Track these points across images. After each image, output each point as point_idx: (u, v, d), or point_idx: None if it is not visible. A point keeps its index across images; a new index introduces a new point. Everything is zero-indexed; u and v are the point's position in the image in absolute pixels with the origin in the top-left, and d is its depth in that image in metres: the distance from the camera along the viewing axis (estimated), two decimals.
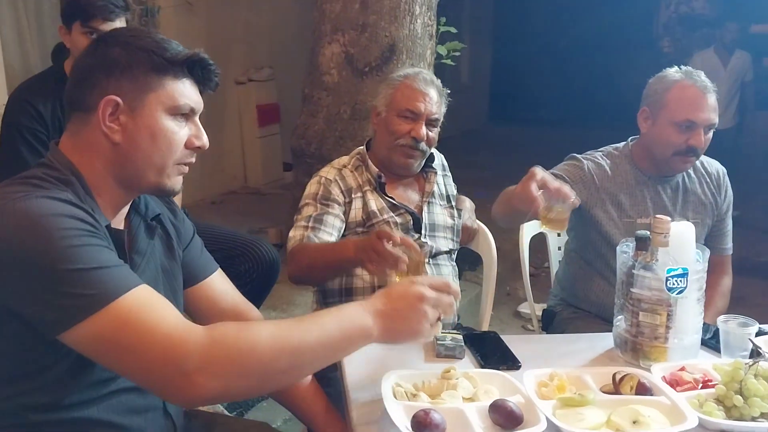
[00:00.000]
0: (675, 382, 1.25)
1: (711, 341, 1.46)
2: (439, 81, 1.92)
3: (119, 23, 2.02)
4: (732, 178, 2.04)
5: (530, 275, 2.24)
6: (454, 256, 1.96)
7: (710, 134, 1.83)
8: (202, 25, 4.99)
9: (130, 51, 1.09)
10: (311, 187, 1.88)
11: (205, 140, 1.15)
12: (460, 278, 2.00)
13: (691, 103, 1.79)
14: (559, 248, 2.25)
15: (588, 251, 1.94)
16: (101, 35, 1.20)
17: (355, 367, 1.34)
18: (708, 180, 1.97)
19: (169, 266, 1.24)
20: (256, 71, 5.53)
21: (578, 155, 1.94)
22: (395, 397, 1.19)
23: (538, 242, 2.23)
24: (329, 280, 1.81)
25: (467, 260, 1.96)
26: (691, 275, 1.33)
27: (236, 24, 5.34)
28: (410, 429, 1.09)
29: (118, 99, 1.07)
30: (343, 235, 1.82)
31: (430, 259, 1.85)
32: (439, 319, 1.13)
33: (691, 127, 1.78)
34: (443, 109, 1.89)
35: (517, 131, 8.66)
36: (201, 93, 1.15)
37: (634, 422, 1.12)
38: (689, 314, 1.36)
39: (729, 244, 2.03)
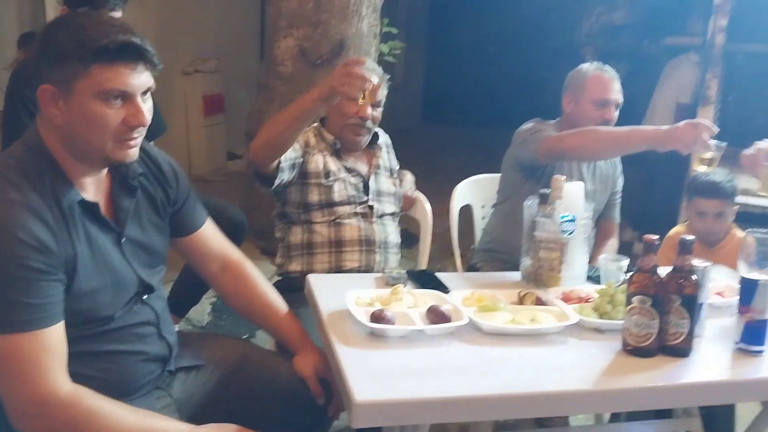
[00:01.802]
0: (565, 299, 1.67)
1: (595, 277, 1.88)
2: (380, 68, 2.30)
3: (119, 13, 2.30)
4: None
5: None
6: (397, 219, 2.34)
7: (617, 112, 2.30)
8: (152, 16, 5.20)
9: (61, 42, 1.22)
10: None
11: (141, 118, 1.26)
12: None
13: (605, 86, 2.28)
14: (483, 218, 2.67)
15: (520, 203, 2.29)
16: (48, 23, 1.36)
17: (325, 300, 1.69)
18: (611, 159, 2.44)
19: (155, 220, 1.47)
20: (203, 62, 5.78)
21: (542, 120, 2.36)
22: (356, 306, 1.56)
23: (463, 226, 2.63)
24: (292, 139, 2.00)
25: (402, 240, 2.35)
26: (578, 221, 1.76)
27: (184, 17, 5.57)
28: (369, 321, 1.46)
29: (52, 87, 1.22)
30: (305, 184, 2.15)
31: (378, 218, 2.24)
32: None
33: (605, 104, 2.26)
34: (385, 92, 2.25)
35: (449, 131, 9.15)
36: (146, 70, 1.26)
37: (531, 320, 1.53)
38: (577, 251, 1.79)
39: (617, 214, 2.50)
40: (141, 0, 5.32)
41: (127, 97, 1.25)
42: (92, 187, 1.34)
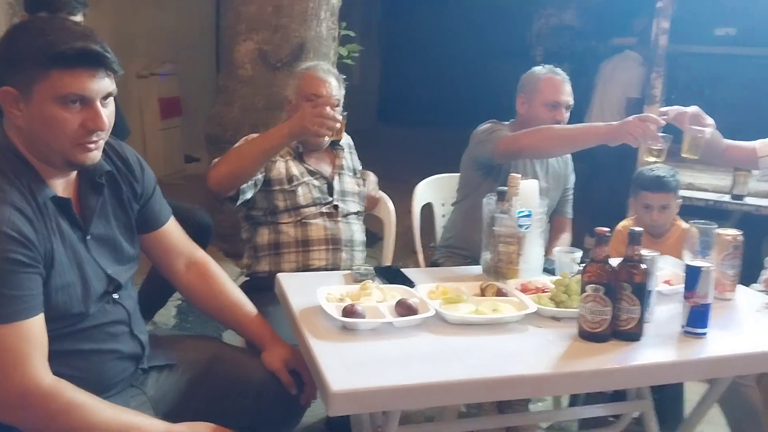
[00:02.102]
0: (523, 290, 1.77)
1: (551, 269, 1.99)
2: (336, 70, 2.38)
3: (79, 17, 2.32)
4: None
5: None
6: (361, 217, 2.41)
7: (568, 113, 2.41)
8: (108, 20, 5.16)
9: (21, 46, 1.25)
10: (239, 143, 2.24)
11: (100, 122, 1.29)
12: None
13: (557, 89, 2.39)
14: (443, 215, 2.76)
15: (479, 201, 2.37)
16: (10, 27, 1.39)
17: (296, 297, 1.75)
18: (562, 159, 2.55)
19: (121, 216, 1.50)
20: (159, 66, 5.75)
21: (497, 121, 2.46)
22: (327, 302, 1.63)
23: (424, 224, 2.72)
24: (257, 170, 2.12)
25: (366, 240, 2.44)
26: (534, 216, 1.86)
27: (140, 20, 5.54)
28: (341, 316, 1.53)
29: (13, 89, 1.25)
30: (270, 191, 2.21)
31: (343, 218, 2.30)
32: None
33: (557, 106, 2.37)
34: (342, 92, 2.33)
35: (404, 131, 9.26)
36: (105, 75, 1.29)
37: (493, 310, 1.62)
38: (533, 245, 1.89)
39: (570, 209, 2.62)
40: (96, 4, 5.30)
41: (86, 102, 1.28)
42: (63, 185, 1.38)
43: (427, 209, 2.75)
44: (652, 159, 2.06)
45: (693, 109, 2.02)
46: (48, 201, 1.32)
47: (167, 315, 3.06)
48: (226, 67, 3.52)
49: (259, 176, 2.19)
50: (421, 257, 2.64)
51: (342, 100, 2.32)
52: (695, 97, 4.11)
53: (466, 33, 9.75)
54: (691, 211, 2.11)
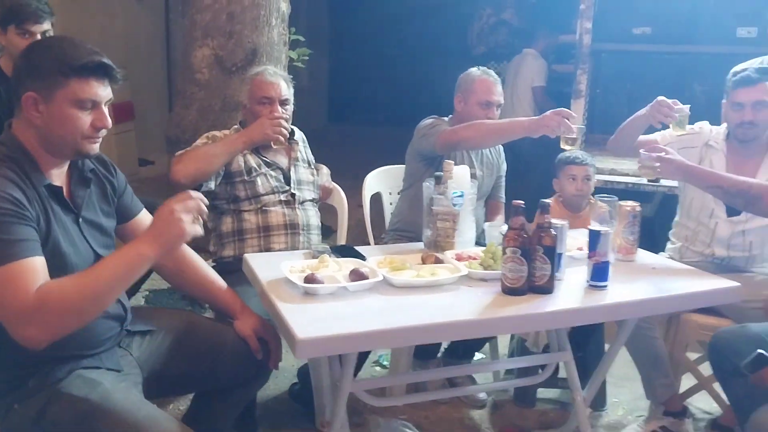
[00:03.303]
0: (458, 258, 2.06)
1: (482, 242, 2.29)
2: (285, 72, 2.65)
3: (47, 25, 2.53)
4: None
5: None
6: (316, 205, 2.68)
7: (499, 110, 2.71)
8: (59, 29, 5.28)
9: (44, 59, 1.52)
10: (199, 140, 2.53)
11: (106, 122, 1.57)
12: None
13: (489, 90, 2.69)
14: (391, 203, 3.04)
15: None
16: (30, 44, 1.67)
17: (263, 272, 2.01)
18: (494, 148, 2.86)
19: (105, 207, 1.75)
20: None
21: (438, 117, 2.74)
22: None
23: (374, 215, 2.99)
24: (219, 169, 2.42)
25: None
26: (466, 197, 2.16)
27: (92, 29, 5.66)
28: (303, 283, 1.80)
29: (36, 95, 1.51)
30: (231, 183, 2.47)
31: (300, 205, 2.57)
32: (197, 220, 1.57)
33: (489, 106, 2.67)
34: (291, 91, 2.60)
35: (354, 130, 9.55)
36: (110, 85, 1.57)
37: (432, 274, 1.91)
38: (466, 221, 2.19)
39: (502, 194, 2.93)
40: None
41: (96, 105, 1.56)
42: (57, 177, 1.63)
43: (377, 199, 3.03)
44: (567, 147, 2.39)
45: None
46: (42, 188, 1.57)
47: (136, 304, 3.27)
48: (183, 73, 3.73)
49: (220, 172, 2.46)
50: (371, 241, 2.92)
51: (291, 100, 2.59)
52: (618, 90, 4.52)
53: (410, 34, 10.09)
54: (615, 193, 2.41)
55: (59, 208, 1.61)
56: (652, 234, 2.75)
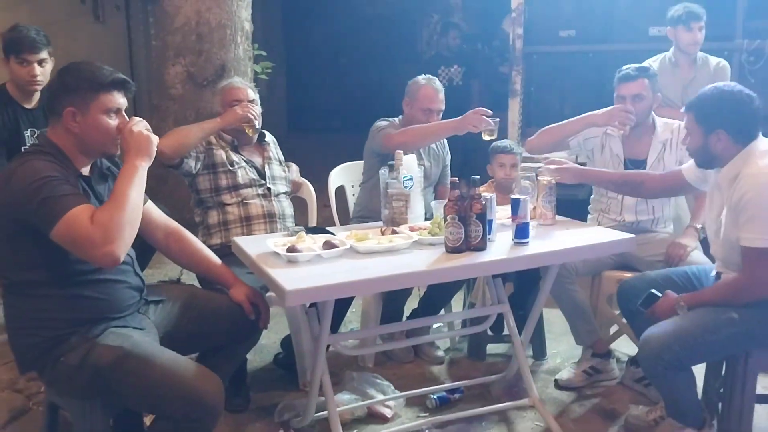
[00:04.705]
0: (411, 230, 2.51)
1: (431, 218, 2.74)
2: (249, 82, 3.08)
3: (44, 54, 2.91)
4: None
5: None
6: (289, 197, 3.10)
7: (440, 116, 3.16)
8: None
9: (78, 79, 1.92)
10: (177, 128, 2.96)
11: (134, 127, 1.96)
12: None
13: (431, 98, 3.13)
14: (354, 195, 3.48)
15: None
16: (63, 68, 2.03)
17: (251, 249, 2.42)
18: (439, 142, 3.31)
19: None
20: None
21: (388, 118, 3.18)
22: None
23: (339, 208, 3.42)
24: (193, 147, 2.81)
25: None
26: (415, 180, 2.61)
27: (58, 54, 5.98)
28: (286, 252, 2.22)
29: (74, 109, 1.91)
30: (215, 173, 2.89)
31: (275, 197, 2.99)
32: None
33: (430, 112, 3.11)
34: (257, 96, 3.04)
35: (312, 138, 9.96)
36: (126, 95, 2.00)
37: (389, 241, 2.35)
38: (416, 200, 2.64)
39: (449, 180, 3.39)
40: None
41: (118, 112, 1.98)
42: (84, 172, 2.04)
43: (342, 195, 3.47)
44: (488, 138, 2.88)
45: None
46: (75, 177, 1.97)
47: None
48: (158, 88, 4.13)
49: (200, 150, 2.86)
50: (338, 225, 3.36)
51: (258, 102, 3.02)
52: (549, 88, 5.05)
53: (362, 43, 10.58)
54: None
55: (90, 192, 2.01)
56: (586, 211, 3.23)
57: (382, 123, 3.19)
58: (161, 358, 1.93)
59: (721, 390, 2.45)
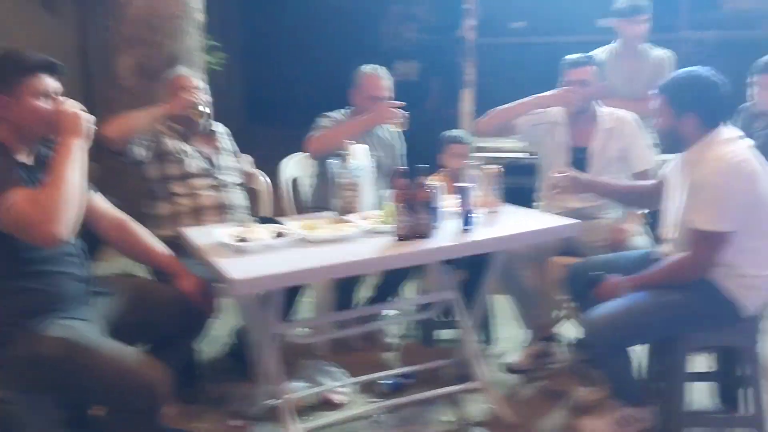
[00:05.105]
0: (362, 219, 2.55)
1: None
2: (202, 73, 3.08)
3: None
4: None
5: None
6: (242, 188, 3.10)
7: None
8: None
9: (3, 66, 1.92)
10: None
11: (64, 106, 1.95)
12: None
13: (376, 85, 3.15)
14: (310, 186, 3.49)
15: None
16: None
17: (199, 239, 2.43)
18: (390, 133, 3.35)
19: None
20: None
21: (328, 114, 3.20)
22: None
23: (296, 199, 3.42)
24: (139, 132, 2.80)
25: None
26: (365, 169, 2.65)
27: (7, 46, 5.84)
28: (234, 241, 2.23)
29: (5, 97, 1.91)
30: (164, 162, 2.87)
31: (226, 188, 2.98)
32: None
33: (377, 99, 3.11)
34: (202, 83, 3.04)
35: (272, 130, 9.91)
36: (57, 78, 1.99)
37: (340, 230, 2.38)
38: (367, 189, 2.68)
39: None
40: None
41: (51, 96, 1.97)
42: (24, 157, 2.02)
43: (297, 186, 3.47)
44: (397, 129, 3.00)
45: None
46: (15, 165, 1.95)
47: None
48: (108, 79, 4.07)
49: (150, 144, 2.85)
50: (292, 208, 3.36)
51: (206, 89, 3.02)
52: (502, 79, 5.12)
53: (322, 35, 10.52)
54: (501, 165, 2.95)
55: (31, 181, 1.98)
56: (533, 198, 3.31)
57: (319, 121, 3.18)
58: (107, 349, 1.93)
59: (659, 369, 2.55)
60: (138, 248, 2.35)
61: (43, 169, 2.05)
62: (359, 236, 2.37)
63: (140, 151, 2.82)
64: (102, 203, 2.32)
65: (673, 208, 2.45)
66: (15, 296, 1.95)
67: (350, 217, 2.57)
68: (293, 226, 2.44)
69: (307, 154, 3.10)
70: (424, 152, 5.03)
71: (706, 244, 2.26)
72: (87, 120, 2.00)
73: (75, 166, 1.93)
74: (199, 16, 4.10)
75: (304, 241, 2.32)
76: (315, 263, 2.12)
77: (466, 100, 4.70)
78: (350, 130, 3.02)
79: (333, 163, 2.70)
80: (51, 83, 1.98)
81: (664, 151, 2.87)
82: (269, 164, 3.35)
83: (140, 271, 3.35)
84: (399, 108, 2.93)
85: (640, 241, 2.94)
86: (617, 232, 2.92)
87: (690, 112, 2.33)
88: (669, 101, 2.38)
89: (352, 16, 9.92)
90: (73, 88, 6.16)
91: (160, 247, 2.38)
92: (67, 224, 1.87)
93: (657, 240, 2.62)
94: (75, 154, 1.94)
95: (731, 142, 2.31)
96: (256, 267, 2.08)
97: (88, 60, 6.67)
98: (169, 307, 2.27)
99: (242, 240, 2.25)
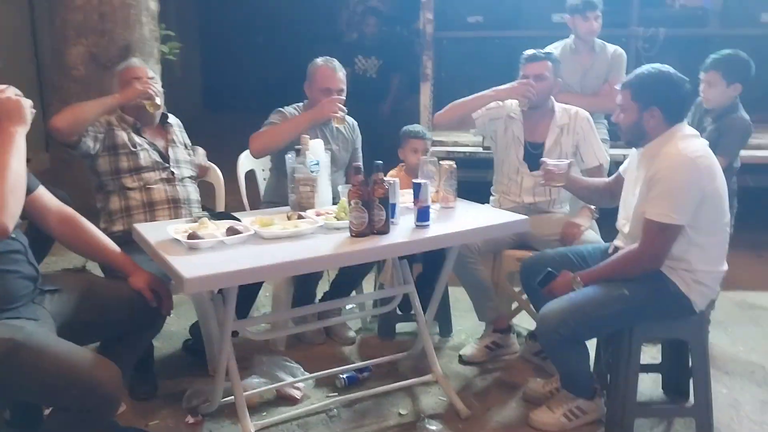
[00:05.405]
0: (317, 215, 2.53)
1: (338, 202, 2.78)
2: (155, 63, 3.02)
3: None
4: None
5: None
6: (195, 182, 3.06)
7: (343, 95, 3.16)
8: None
9: None
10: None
11: (4, 94, 1.93)
12: None
13: (329, 78, 3.11)
14: (264, 179, 3.47)
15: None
16: None
17: (151, 236, 2.40)
18: (348, 126, 3.33)
19: None
20: None
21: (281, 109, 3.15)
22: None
23: (250, 193, 3.40)
24: (90, 123, 2.74)
25: None
26: (322, 164, 2.64)
27: None
28: (186, 239, 2.21)
29: None
30: (115, 155, 2.82)
31: (179, 181, 2.94)
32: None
33: (329, 92, 3.08)
34: (155, 75, 2.98)
35: (228, 117, 9.80)
36: None
37: (295, 226, 2.37)
38: (323, 184, 2.67)
39: (360, 163, 3.43)
40: None
41: None
42: None
43: (253, 179, 3.45)
44: (337, 125, 3.05)
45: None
46: None
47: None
48: (58, 68, 3.97)
49: (99, 130, 2.79)
50: (248, 209, 3.34)
51: (157, 79, 2.96)
52: (459, 72, 5.15)
53: (281, 22, 10.44)
54: (457, 162, 2.91)
55: None
56: (489, 193, 3.34)
57: (271, 116, 3.13)
58: (55, 348, 1.89)
59: (610, 361, 2.61)
60: (90, 244, 2.30)
61: None
62: (314, 232, 2.36)
63: (89, 144, 2.76)
64: (48, 198, 2.24)
65: (629, 201, 2.50)
66: None
67: (306, 212, 2.56)
68: (247, 221, 2.42)
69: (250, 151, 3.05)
70: (383, 146, 5.07)
71: (659, 235, 2.31)
72: (27, 106, 1.95)
73: (17, 154, 1.88)
74: (153, 5, 4.02)
75: (258, 238, 2.31)
76: (269, 260, 2.11)
77: (424, 94, 4.71)
78: (292, 127, 2.98)
79: (289, 158, 2.68)
80: None
81: (624, 146, 2.89)
82: (225, 153, 3.30)
83: (93, 268, 3.30)
84: (341, 103, 2.93)
85: (590, 235, 3.00)
86: (570, 226, 2.98)
87: (654, 107, 2.37)
88: (634, 95, 2.41)
89: (312, 3, 9.83)
90: (24, 76, 6.07)
91: (110, 243, 2.34)
92: (12, 214, 1.83)
93: (606, 234, 2.67)
94: (17, 142, 1.90)
95: (690, 138, 2.37)
96: (208, 265, 2.06)
97: (39, 47, 6.50)
98: (122, 304, 2.23)
99: (194, 237, 2.23)
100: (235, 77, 10.67)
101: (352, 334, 3.30)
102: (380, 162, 2.35)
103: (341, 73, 3.14)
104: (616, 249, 2.55)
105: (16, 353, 1.84)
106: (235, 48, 10.49)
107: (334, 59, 3.19)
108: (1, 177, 1.82)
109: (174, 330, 3.23)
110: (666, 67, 2.42)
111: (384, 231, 2.33)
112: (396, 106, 5.68)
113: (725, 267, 2.44)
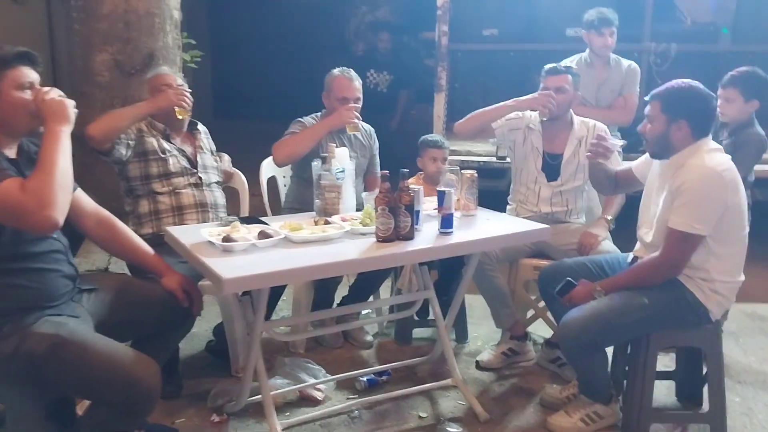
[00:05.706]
0: (343, 220, 2.61)
1: (362, 208, 2.85)
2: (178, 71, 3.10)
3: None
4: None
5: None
6: (221, 187, 3.14)
7: (359, 104, 3.25)
8: None
9: None
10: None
11: (49, 95, 1.97)
12: None
13: (346, 87, 3.21)
14: (285, 185, 3.54)
15: (308, 170, 3.10)
16: None
17: (185, 239, 2.47)
18: (365, 133, 3.41)
19: None
20: None
21: (301, 119, 3.25)
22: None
23: (271, 198, 3.48)
24: (129, 127, 2.84)
25: None
26: (347, 172, 2.71)
27: None
28: (221, 241, 2.28)
29: None
30: (146, 161, 2.89)
31: (207, 186, 3.02)
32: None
33: (347, 101, 3.18)
34: (185, 83, 3.05)
35: (239, 125, 9.88)
36: (35, 69, 2.01)
37: (323, 231, 2.44)
38: (348, 191, 2.74)
39: (377, 170, 3.49)
40: None
41: (31, 86, 2.00)
42: (8, 151, 2.03)
43: (274, 186, 3.52)
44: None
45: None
46: (3, 159, 1.97)
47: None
48: (82, 75, 4.05)
49: (130, 137, 2.86)
50: (270, 215, 3.41)
51: (187, 86, 3.04)
52: (473, 84, 5.25)
53: (290, 31, 10.52)
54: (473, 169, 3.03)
55: (19, 175, 1.98)
56: (505, 202, 3.42)
57: (291, 126, 3.23)
58: (98, 344, 1.96)
59: (626, 368, 2.68)
60: (126, 246, 2.38)
61: (26, 162, 2.07)
62: (341, 237, 2.43)
63: (122, 151, 2.84)
64: (85, 199, 2.32)
65: (651, 210, 2.56)
66: (3, 293, 1.96)
67: (331, 218, 2.63)
68: (276, 226, 2.50)
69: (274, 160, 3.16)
70: (392, 156, 5.15)
71: (681, 244, 2.37)
72: (71, 106, 2.03)
73: (64, 153, 1.95)
74: (177, 15, 4.11)
75: (288, 241, 2.38)
76: (301, 263, 2.18)
77: (438, 104, 4.79)
78: (311, 135, 3.10)
79: (315, 165, 2.75)
80: (30, 74, 2.00)
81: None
82: (237, 161, 3.38)
83: (115, 268, 3.38)
84: (355, 112, 3.03)
85: (606, 245, 3.07)
86: (587, 236, 3.05)
87: (683, 120, 2.42)
88: (663, 107, 2.46)
89: (320, 13, 9.94)
90: (41, 82, 6.16)
91: (145, 245, 2.41)
92: (62, 209, 1.89)
93: (620, 245, 2.74)
94: (63, 141, 1.96)
95: (715, 152, 2.44)
96: (243, 266, 2.13)
97: (56, 53, 6.60)
98: (155, 304, 2.30)
99: (228, 240, 2.30)
100: (244, 86, 10.77)
101: (369, 338, 3.36)
102: (406, 170, 2.43)
103: (357, 83, 3.23)
104: (635, 259, 2.62)
105: (61, 348, 1.91)
106: (245, 57, 10.59)
107: (351, 69, 3.28)
108: (50, 174, 1.88)
109: (197, 331, 3.28)
110: (695, 83, 2.47)
111: (409, 237, 2.40)
112: (402, 117, 5.76)
113: (742, 278, 2.50)
